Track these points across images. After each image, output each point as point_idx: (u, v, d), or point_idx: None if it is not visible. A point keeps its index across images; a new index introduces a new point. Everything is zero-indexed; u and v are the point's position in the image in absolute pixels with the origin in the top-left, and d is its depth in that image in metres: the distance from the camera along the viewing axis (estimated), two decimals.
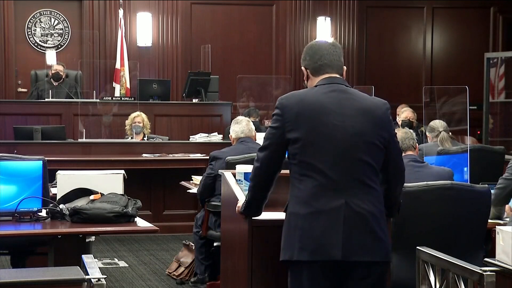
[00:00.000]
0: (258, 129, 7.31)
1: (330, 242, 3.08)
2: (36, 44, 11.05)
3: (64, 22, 11.15)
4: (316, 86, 3.26)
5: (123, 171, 4.69)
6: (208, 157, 5.96)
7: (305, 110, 3.15)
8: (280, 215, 3.67)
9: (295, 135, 3.14)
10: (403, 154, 4.57)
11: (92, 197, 4.41)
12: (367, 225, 3.12)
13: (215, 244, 5.74)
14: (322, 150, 3.12)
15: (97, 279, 2.72)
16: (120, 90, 10.71)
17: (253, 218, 3.57)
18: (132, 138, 8.58)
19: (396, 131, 4.68)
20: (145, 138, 8.60)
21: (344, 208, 3.09)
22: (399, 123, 8.74)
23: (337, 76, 3.28)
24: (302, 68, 3.37)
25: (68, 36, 11.18)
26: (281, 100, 3.22)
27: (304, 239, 3.10)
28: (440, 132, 6.43)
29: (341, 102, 3.18)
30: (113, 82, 10.86)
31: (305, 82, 3.36)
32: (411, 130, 4.88)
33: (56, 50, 10.95)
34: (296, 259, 3.12)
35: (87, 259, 2.98)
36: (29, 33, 11.02)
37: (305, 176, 3.14)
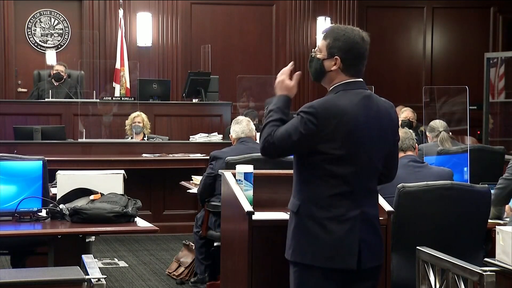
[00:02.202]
0: (258, 130, 7.31)
1: (347, 250, 3.10)
2: (36, 44, 11.05)
3: (64, 22, 11.15)
4: (344, 89, 3.16)
5: (123, 171, 4.69)
6: (208, 157, 5.96)
7: (341, 125, 3.08)
8: (280, 215, 3.67)
9: (326, 146, 3.10)
10: (403, 154, 4.59)
11: (92, 197, 4.41)
12: (376, 230, 3.20)
13: (215, 244, 5.74)
14: (349, 161, 3.11)
15: (97, 279, 2.72)
16: (120, 90, 10.71)
17: (253, 218, 3.56)
18: (132, 138, 8.58)
19: None
20: (145, 138, 8.60)
21: (360, 218, 3.13)
22: (399, 123, 8.75)
23: (362, 80, 3.23)
24: (336, 57, 3.17)
25: (68, 36, 11.18)
26: (318, 109, 3.09)
27: (321, 244, 3.11)
28: (440, 132, 6.43)
29: (371, 111, 3.15)
30: (113, 82, 10.86)
31: (322, 63, 3.19)
32: (411, 130, 4.88)
33: (56, 50, 10.95)
34: (309, 263, 3.12)
35: (87, 259, 2.98)
36: (29, 33, 11.02)
37: (326, 182, 3.12)
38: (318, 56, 3.22)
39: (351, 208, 3.11)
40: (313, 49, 3.30)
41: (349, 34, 3.18)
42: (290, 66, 3.32)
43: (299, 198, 3.18)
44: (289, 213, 3.29)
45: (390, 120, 3.24)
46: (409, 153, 4.64)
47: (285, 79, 3.27)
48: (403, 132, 4.70)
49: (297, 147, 3.13)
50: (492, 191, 4.44)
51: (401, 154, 4.59)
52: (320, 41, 3.26)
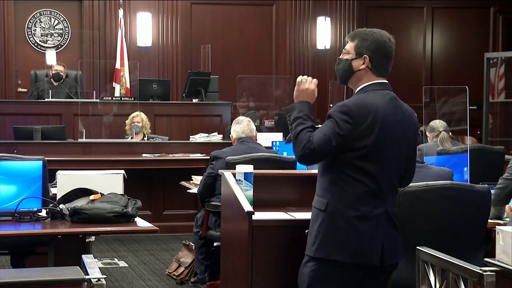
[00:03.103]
0: (258, 130, 7.32)
1: (372, 247, 3.18)
2: (36, 44, 11.05)
3: (64, 22, 11.15)
4: (373, 90, 3.21)
5: (123, 171, 4.69)
6: (208, 157, 5.96)
7: (375, 122, 3.13)
8: (280, 215, 3.67)
9: (359, 143, 3.14)
10: None
11: (92, 197, 4.40)
12: (397, 228, 3.28)
13: (215, 244, 5.74)
14: (379, 159, 3.17)
15: (97, 279, 2.72)
16: (120, 90, 10.72)
17: (253, 218, 3.57)
18: (132, 138, 8.58)
19: None
20: (145, 138, 8.60)
21: (384, 216, 3.20)
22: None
23: (388, 82, 3.30)
24: (365, 56, 3.22)
25: (68, 36, 11.18)
26: (352, 107, 3.13)
27: (347, 241, 3.16)
28: (440, 132, 6.43)
29: (398, 112, 3.22)
30: (113, 82, 10.86)
31: (350, 63, 3.23)
32: None
33: (56, 50, 10.96)
34: (335, 259, 3.17)
35: (87, 259, 2.98)
36: (29, 33, 11.02)
37: (356, 180, 3.17)
38: (346, 57, 3.27)
39: (376, 206, 3.19)
40: (340, 55, 3.34)
41: (376, 35, 3.27)
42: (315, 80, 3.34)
43: (326, 197, 3.22)
44: (312, 211, 3.30)
45: (413, 124, 3.31)
46: None
47: (311, 87, 3.29)
48: None
49: (337, 150, 3.15)
50: (492, 191, 4.44)
51: None
52: (347, 44, 3.30)
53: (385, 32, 3.31)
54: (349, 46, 3.27)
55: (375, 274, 3.24)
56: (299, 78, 3.31)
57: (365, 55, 3.23)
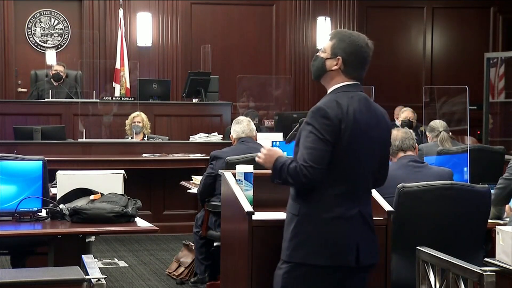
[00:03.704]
0: (258, 130, 7.32)
1: (347, 249, 3.17)
2: (36, 44, 11.05)
3: (64, 22, 11.15)
4: (344, 91, 3.21)
5: (123, 171, 4.69)
6: (208, 157, 5.96)
7: (347, 123, 3.12)
8: (280, 215, 3.67)
9: (335, 145, 3.13)
10: (403, 154, 4.59)
11: (92, 197, 4.41)
12: (372, 229, 3.27)
13: (215, 244, 5.74)
14: (353, 160, 3.17)
15: (97, 279, 2.72)
16: (120, 90, 10.71)
17: (253, 218, 3.57)
18: (132, 138, 8.58)
19: (395, 131, 4.70)
20: (145, 138, 8.61)
21: (358, 217, 3.19)
22: (399, 123, 8.74)
23: (360, 84, 3.29)
24: (339, 57, 3.22)
25: (68, 36, 11.18)
26: (326, 108, 3.13)
27: (322, 243, 3.16)
28: (440, 132, 6.43)
29: (370, 113, 3.22)
30: (113, 82, 10.86)
31: (324, 62, 3.24)
32: (411, 130, 4.88)
33: (56, 50, 10.95)
34: (310, 263, 3.16)
35: (87, 259, 2.98)
36: (29, 33, 11.02)
37: (329, 182, 3.16)
38: (322, 55, 3.28)
39: (351, 207, 3.18)
40: (319, 49, 3.35)
41: (354, 38, 3.26)
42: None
43: (299, 201, 3.21)
44: (286, 215, 3.30)
45: (385, 124, 3.31)
46: (409, 153, 4.63)
47: (269, 148, 3.30)
48: (403, 132, 4.71)
49: (330, 154, 3.12)
50: (492, 191, 4.44)
51: (401, 154, 4.60)
52: (326, 42, 3.30)
53: (364, 36, 3.29)
54: (327, 44, 3.28)
55: (352, 276, 3.22)
56: (256, 159, 3.33)
57: (339, 57, 3.23)
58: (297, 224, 3.20)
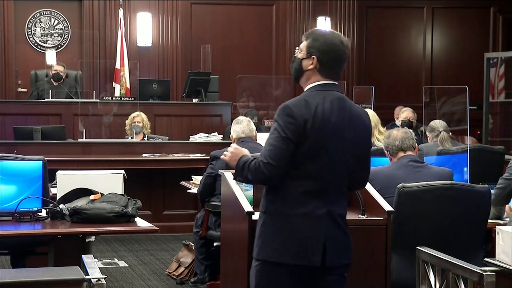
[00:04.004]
0: (258, 129, 7.31)
1: (312, 248, 3.12)
2: (36, 44, 11.05)
3: (64, 22, 11.15)
4: (318, 90, 3.19)
5: (123, 171, 4.69)
6: (208, 157, 5.96)
7: (313, 121, 3.11)
8: None
9: (301, 144, 3.11)
10: (403, 154, 4.59)
11: (92, 197, 4.41)
12: (343, 229, 3.20)
13: (215, 244, 5.74)
14: (320, 159, 3.14)
15: (97, 279, 2.72)
16: (120, 90, 10.71)
17: (253, 218, 3.57)
18: (132, 138, 8.59)
19: (395, 131, 4.70)
20: (145, 138, 8.61)
21: (326, 217, 3.14)
22: (399, 123, 8.74)
23: (337, 84, 3.26)
24: (313, 56, 3.20)
25: (68, 36, 11.18)
26: (292, 107, 3.13)
27: (287, 241, 3.13)
28: (440, 132, 6.43)
29: (344, 113, 3.18)
30: (113, 82, 10.86)
31: (301, 62, 3.24)
32: (411, 130, 4.88)
33: (56, 50, 10.95)
34: (276, 261, 3.14)
35: (87, 259, 2.98)
36: (29, 33, 11.02)
37: (296, 180, 3.14)
38: (298, 55, 3.27)
39: (318, 206, 3.13)
40: (295, 49, 3.34)
41: (328, 36, 3.24)
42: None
43: (267, 198, 3.21)
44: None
45: (363, 124, 3.24)
46: (409, 153, 4.63)
47: (235, 147, 3.30)
48: (403, 132, 4.71)
49: (291, 153, 3.12)
50: (492, 191, 4.44)
51: (401, 154, 4.60)
52: (302, 43, 3.29)
53: (339, 35, 3.27)
54: (302, 45, 3.27)
55: (320, 277, 3.17)
56: (222, 157, 3.33)
57: (313, 56, 3.21)
58: (264, 221, 3.19)
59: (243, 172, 3.19)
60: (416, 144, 4.72)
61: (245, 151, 3.29)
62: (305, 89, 3.25)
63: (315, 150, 3.12)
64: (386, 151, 4.69)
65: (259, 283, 3.20)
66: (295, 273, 3.14)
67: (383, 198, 3.95)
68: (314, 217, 3.13)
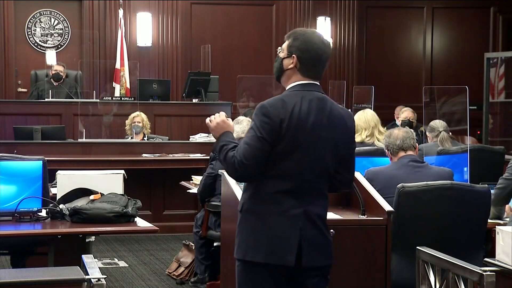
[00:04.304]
0: None
1: (286, 247, 3.11)
2: (36, 44, 11.05)
3: (64, 22, 11.15)
4: (298, 90, 3.19)
5: (123, 171, 4.69)
6: (208, 157, 5.96)
7: (289, 121, 3.10)
8: None
9: (276, 143, 3.11)
10: (404, 154, 4.59)
11: (92, 197, 4.41)
12: (321, 230, 3.17)
13: (215, 244, 5.74)
14: (296, 159, 3.13)
15: (97, 279, 2.72)
16: (120, 90, 10.72)
17: None
18: (132, 138, 8.59)
19: (396, 130, 4.70)
20: (145, 138, 8.61)
21: (302, 216, 3.13)
22: (399, 123, 8.74)
23: (318, 84, 3.25)
24: (293, 55, 3.20)
25: (68, 36, 11.18)
26: (268, 107, 3.13)
27: (261, 240, 3.12)
28: (440, 132, 6.43)
29: (323, 113, 3.16)
30: (113, 82, 10.86)
31: (282, 62, 3.24)
32: (411, 130, 4.88)
33: (56, 50, 10.95)
34: (251, 260, 3.14)
35: (87, 259, 2.98)
36: (29, 33, 11.02)
37: (271, 179, 3.13)
38: (280, 55, 3.28)
39: (294, 206, 3.12)
40: (277, 49, 3.34)
41: (308, 35, 3.23)
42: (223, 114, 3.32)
43: (243, 197, 3.22)
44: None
45: (345, 125, 3.22)
46: (410, 153, 4.63)
47: (223, 120, 3.28)
48: (404, 131, 4.71)
49: (266, 152, 3.11)
50: (492, 191, 4.44)
51: (401, 154, 4.60)
52: (284, 42, 3.29)
53: (320, 34, 3.27)
54: (284, 44, 3.27)
55: (296, 277, 3.15)
56: (207, 120, 3.31)
57: (293, 55, 3.21)
58: (241, 220, 3.20)
59: (220, 153, 3.20)
60: (416, 144, 4.72)
61: (231, 127, 3.28)
62: (286, 89, 3.25)
63: (291, 149, 3.12)
64: (386, 150, 4.69)
65: (241, 284, 3.22)
66: (273, 274, 3.13)
67: (383, 198, 3.95)
68: (289, 216, 3.11)
